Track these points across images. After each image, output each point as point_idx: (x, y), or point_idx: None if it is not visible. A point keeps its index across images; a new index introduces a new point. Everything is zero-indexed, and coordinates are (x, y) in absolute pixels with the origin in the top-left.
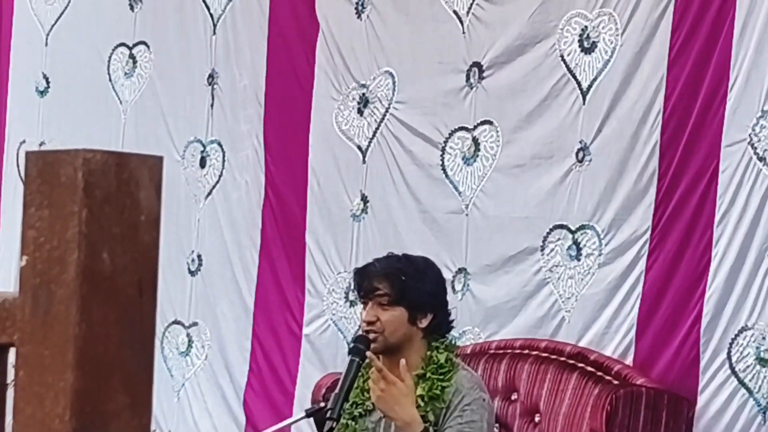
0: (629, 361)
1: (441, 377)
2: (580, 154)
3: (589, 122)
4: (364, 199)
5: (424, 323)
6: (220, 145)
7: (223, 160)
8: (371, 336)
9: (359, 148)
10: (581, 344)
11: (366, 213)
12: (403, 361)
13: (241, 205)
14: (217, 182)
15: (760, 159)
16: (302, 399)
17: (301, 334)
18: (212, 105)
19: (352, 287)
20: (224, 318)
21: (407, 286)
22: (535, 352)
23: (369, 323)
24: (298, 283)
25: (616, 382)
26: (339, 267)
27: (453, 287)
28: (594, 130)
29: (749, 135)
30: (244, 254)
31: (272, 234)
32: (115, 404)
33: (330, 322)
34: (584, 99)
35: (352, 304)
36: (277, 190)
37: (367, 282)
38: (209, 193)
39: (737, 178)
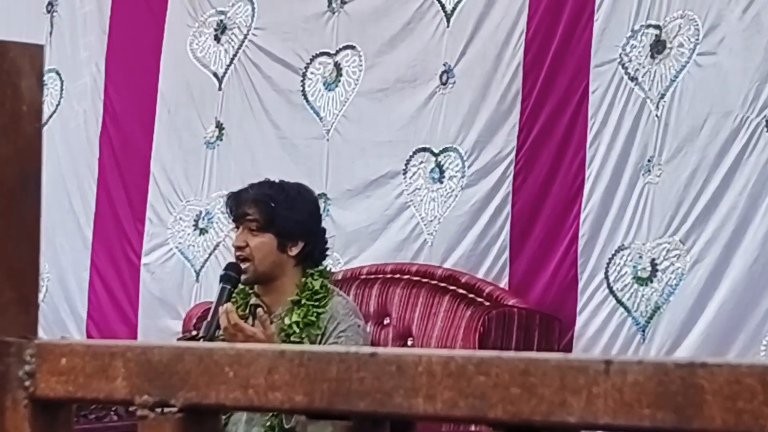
0: (504, 282)
1: (316, 303)
2: (444, 77)
3: (453, 44)
4: (219, 126)
5: (294, 251)
6: (58, 73)
7: (61, 89)
8: (243, 265)
9: (215, 75)
10: (447, 265)
11: (221, 140)
12: (260, 311)
13: (79, 134)
14: (54, 111)
15: (632, 79)
16: (145, 330)
17: (139, 263)
18: (51, 33)
19: (202, 215)
20: (62, 249)
21: (276, 213)
22: (406, 276)
23: (238, 248)
24: (136, 213)
25: (487, 303)
26: (189, 195)
27: None
28: (458, 53)
29: (620, 55)
30: (81, 184)
31: (110, 163)
32: (0, 299)
33: (175, 251)
34: (448, 21)
35: (202, 232)
36: (117, 119)
37: (238, 207)
38: (46, 123)
39: (609, 98)
